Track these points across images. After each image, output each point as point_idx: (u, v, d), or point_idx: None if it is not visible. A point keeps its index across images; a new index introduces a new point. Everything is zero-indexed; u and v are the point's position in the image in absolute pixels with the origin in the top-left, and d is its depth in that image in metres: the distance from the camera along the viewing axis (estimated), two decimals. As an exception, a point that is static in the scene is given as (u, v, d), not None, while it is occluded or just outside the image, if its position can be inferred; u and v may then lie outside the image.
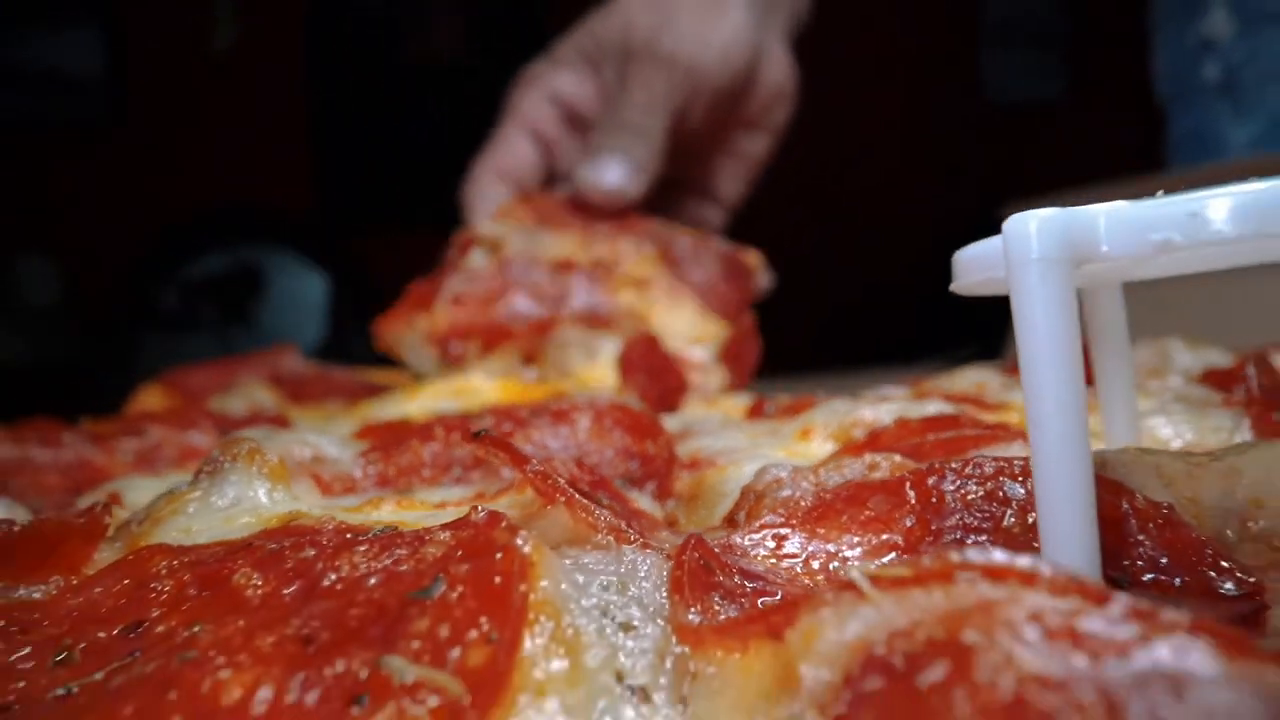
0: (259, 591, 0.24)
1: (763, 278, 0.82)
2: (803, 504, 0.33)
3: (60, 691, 0.22)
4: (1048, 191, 1.38)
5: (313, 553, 0.25)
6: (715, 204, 0.90)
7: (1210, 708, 0.13)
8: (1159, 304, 1.10)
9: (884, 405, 0.49)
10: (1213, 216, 0.24)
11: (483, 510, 0.26)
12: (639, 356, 0.65)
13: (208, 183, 3.05)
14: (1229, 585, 0.26)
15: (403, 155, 3.22)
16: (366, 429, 0.56)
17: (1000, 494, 0.30)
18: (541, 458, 0.34)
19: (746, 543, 0.30)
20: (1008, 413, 0.56)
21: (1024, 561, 0.18)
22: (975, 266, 0.29)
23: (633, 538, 0.27)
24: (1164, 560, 0.28)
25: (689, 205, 0.89)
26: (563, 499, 0.28)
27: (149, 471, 0.60)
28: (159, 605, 0.26)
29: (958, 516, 0.30)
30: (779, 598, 0.24)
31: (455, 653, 0.19)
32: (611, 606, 0.22)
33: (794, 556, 0.31)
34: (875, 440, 0.43)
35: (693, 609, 0.22)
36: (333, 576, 0.23)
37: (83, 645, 0.25)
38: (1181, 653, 0.15)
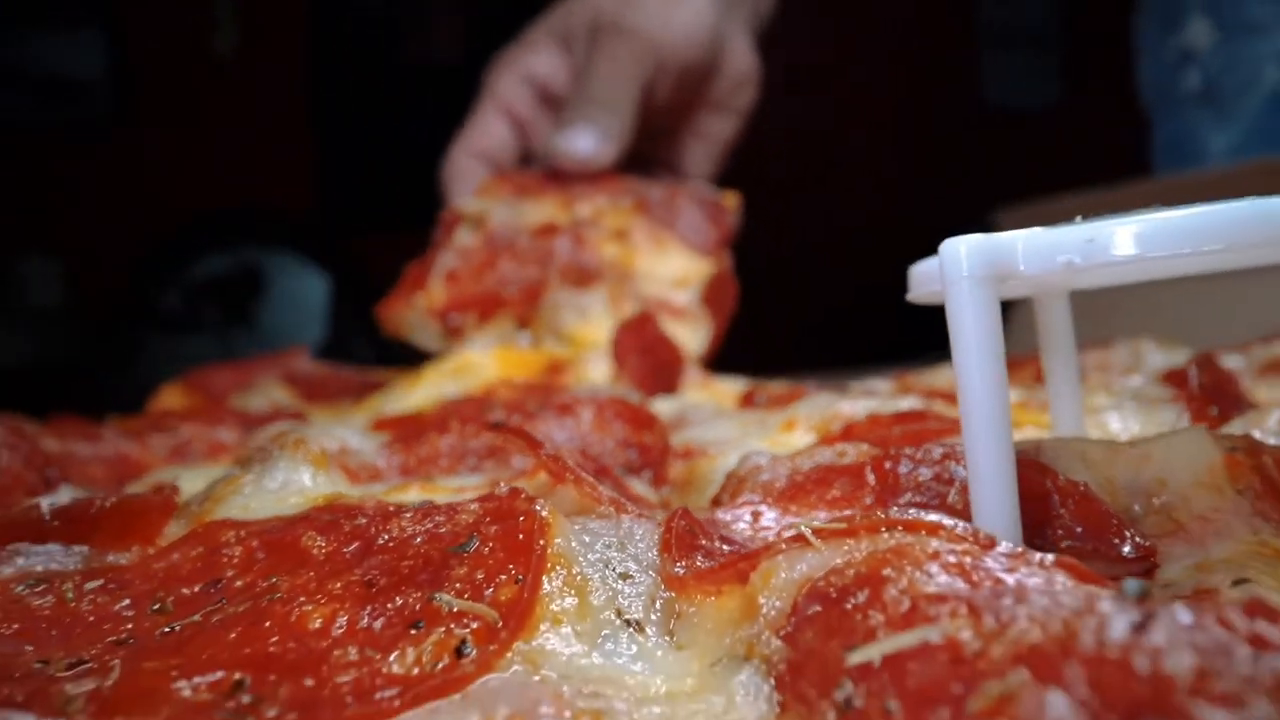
0: (323, 550, 0.29)
1: (739, 216, 0.87)
2: (777, 485, 0.38)
3: (165, 629, 0.28)
4: (1039, 195, 1.44)
5: (364, 520, 0.31)
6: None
7: (1042, 605, 0.19)
8: (1156, 306, 1.16)
9: (860, 401, 0.55)
10: (1106, 242, 0.30)
11: (505, 487, 0.32)
12: (631, 338, 0.70)
13: (209, 184, 3.11)
14: (1128, 549, 0.32)
15: (403, 156, 3.28)
16: (384, 422, 0.61)
17: (945, 475, 0.36)
18: (551, 444, 0.39)
19: (729, 517, 0.36)
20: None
21: (930, 518, 0.24)
22: (922, 281, 0.35)
23: (630, 509, 0.32)
24: (1079, 530, 0.33)
25: None
26: (571, 478, 0.33)
27: (182, 464, 0.66)
28: (232, 567, 0.32)
29: (909, 495, 0.36)
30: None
31: (490, 591, 0.25)
32: (612, 560, 0.28)
33: (768, 529, 0.36)
34: (849, 432, 0.49)
35: (679, 563, 0.28)
36: (385, 537, 0.29)
37: (172, 598, 0.31)
38: (1035, 577, 0.21)
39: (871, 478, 0.37)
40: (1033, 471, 0.34)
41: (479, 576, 0.25)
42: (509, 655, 0.23)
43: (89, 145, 3.04)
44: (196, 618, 0.28)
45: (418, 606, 0.24)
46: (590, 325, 0.76)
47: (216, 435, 0.72)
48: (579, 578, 0.26)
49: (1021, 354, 0.67)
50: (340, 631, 0.24)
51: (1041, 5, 3.45)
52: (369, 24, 3.24)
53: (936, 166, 3.39)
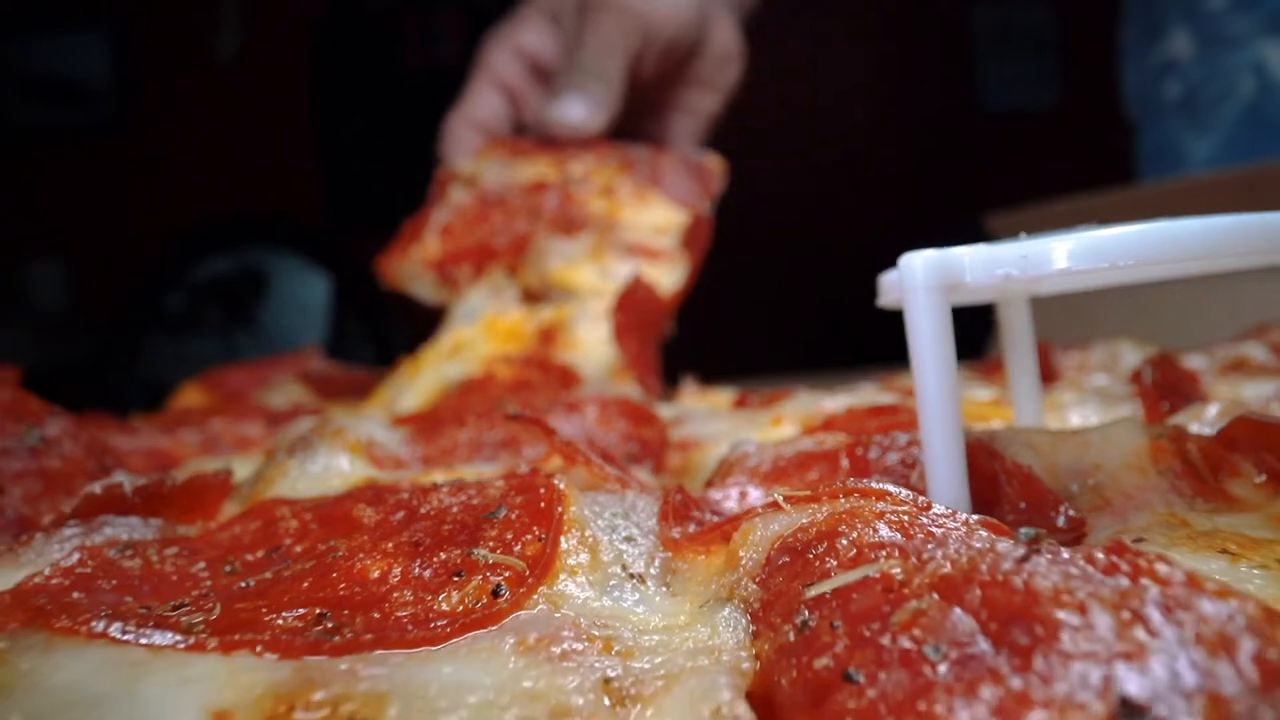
0: (373, 519, 0.35)
1: (723, 178, 0.93)
2: (763, 469, 0.44)
3: (241, 585, 0.33)
4: (1037, 197, 1.49)
5: (406, 494, 0.36)
6: None
7: (956, 548, 0.24)
8: (1151, 308, 1.22)
9: (841, 398, 0.60)
10: (1039, 258, 0.35)
11: (526, 466, 0.37)
12: (628, 317, 0.75)
13: (212, 187, 3.17)
14: (1061, 521, 0.37)
15: (404, 159, 3.34)
16: (402, 419, 0.67)
17: (909, 459, 0.42)
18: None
19: (719, 495, 0.42)
20: (965, 407, 0.67)
21: (878, 485, 0.29)
22: (887, 289, 0.40)
23: (634, 486, 0.38)
24: (1023, 505, 0.39)
25: None
26: (582, 460, 0.39)
27: (212, 456, 0.71)
28: (289, 535, 0.38)
29: (878, 477, 0.42)
30: (735, 524, 0.35)
31: (518, 547, 0.30)
32: (618, 526, 0.33)
33: (754, 505, 0.42)
34: (829, 424, 0.54)
35: (675, 529, 0.33)
36: (426, 507, 0.34)
37: (239, 562, 0.37)
38: (958, 530, 0.26)
39: (845, 462, 0.43)
40: (984, 456, 0.40)
41: (508, 536, 0.31)
42: (535, 597, 0.28)
43: (94, 149, 3.09)
44: (268, 575, 0.33)
45: (459, 560, 0.30)
46: (574, 269, 0.81)
47: (243, 430, 0.78)
48: (590, 539, 0.32)
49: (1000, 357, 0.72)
50: (396, 579, 0.29)
51: (1040, 8, 3.51)
52: (371, 29, 3.30)
53: (935, 169, 3.44)
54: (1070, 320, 1.20)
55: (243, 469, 0.52)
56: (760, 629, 0.27)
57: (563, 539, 0.31)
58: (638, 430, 0.60)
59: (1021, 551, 0.23)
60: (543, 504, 0.32)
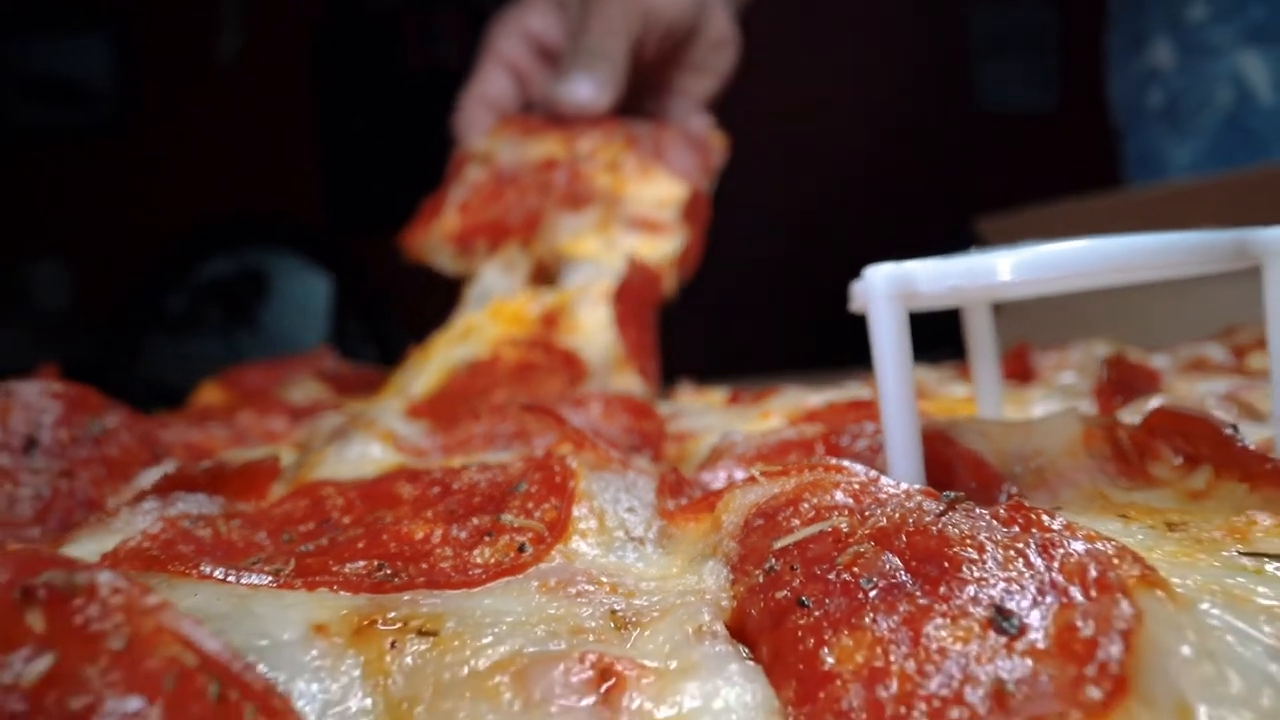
0: (412, 494, 0.41)
1: (723, 153, 1.01)
2: (748, 455, 0.51)
3: (301, 549, 0.40)
4: (1034, 200, 1.55)
5: (439, 474, 0.43)
6: None
7: (892, 506, 0.31)
8: (1137, 311, 1.29)
9: (825, 393, 0.67)
10: (981, 270, 0.42)
11: (541, 451, 0.44)
12: (627, 306, 0.82)
13: (214, 188, 3.24)
14: (1003, 497, 0.44)
15: (405, 160, 3.40)
16: (418, 407, 0.74)
17: (876, 445, 0.48)
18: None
19: (709, 477, 0.48)
20: (935, 401, 0.74)
21: (833, 461, 0.36)
22: (855, 297, 0.47)
23: (635, 468, 0.45)
24: (973, 485, 0.45)
25: None
26: (589, 444, 0.45)
27: (243, 447, 0.78)
28: (337, 510, 0.44)
29: (847, 460, 0.48)
30: (721, 498, 0.42)
31: (538, 514, 0.37)
32: (621, 499, 0.40)
33: (739, 486, 0.48)
34: (811, 417, 0.61)
35: (670, 501, 0.40)
36: (458, 484, 0.41)
37: (295, 533, 0.43)
38: (898, 496, 0.33)
39: (820, 448, 0.49)
40: (940, 443, 0.47)
41: (529, 505, 0.37)
42: (553, 553, 0.35)
43: (95, 149, 3.16)
44: (324, 541, 0.40)
45: (489, 524, 0.37)
46: (581, 242, 0.89)
47: (269, 424, 0.84)
48: (598, 509, 0.38)
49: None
50: (438, 539, 0.36)
51: (1039, 10, 3.57)
52: (371, 30, 3.37)
53: (931, 171, 3.51)
54: (1063, 323, 1.26)
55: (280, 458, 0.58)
56: (737, 576, 0.33)
57: (575, 508, 0.37)
58: (638, 424, 0.67)
59: (941, 508, 0.30)
60: (558, 479, 0.39)
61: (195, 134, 3.25)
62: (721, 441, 0.54)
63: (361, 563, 0.35)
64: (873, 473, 0.36)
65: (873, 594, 0.27)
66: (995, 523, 0.29)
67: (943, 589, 0.26)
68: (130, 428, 0.59)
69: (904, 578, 0.28)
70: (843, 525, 0.31)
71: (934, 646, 0.24)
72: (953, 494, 0.31)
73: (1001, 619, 0.25)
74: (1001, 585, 0.26)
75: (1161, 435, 0.45)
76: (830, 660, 0.25)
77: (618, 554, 0.37)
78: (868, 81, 3.51)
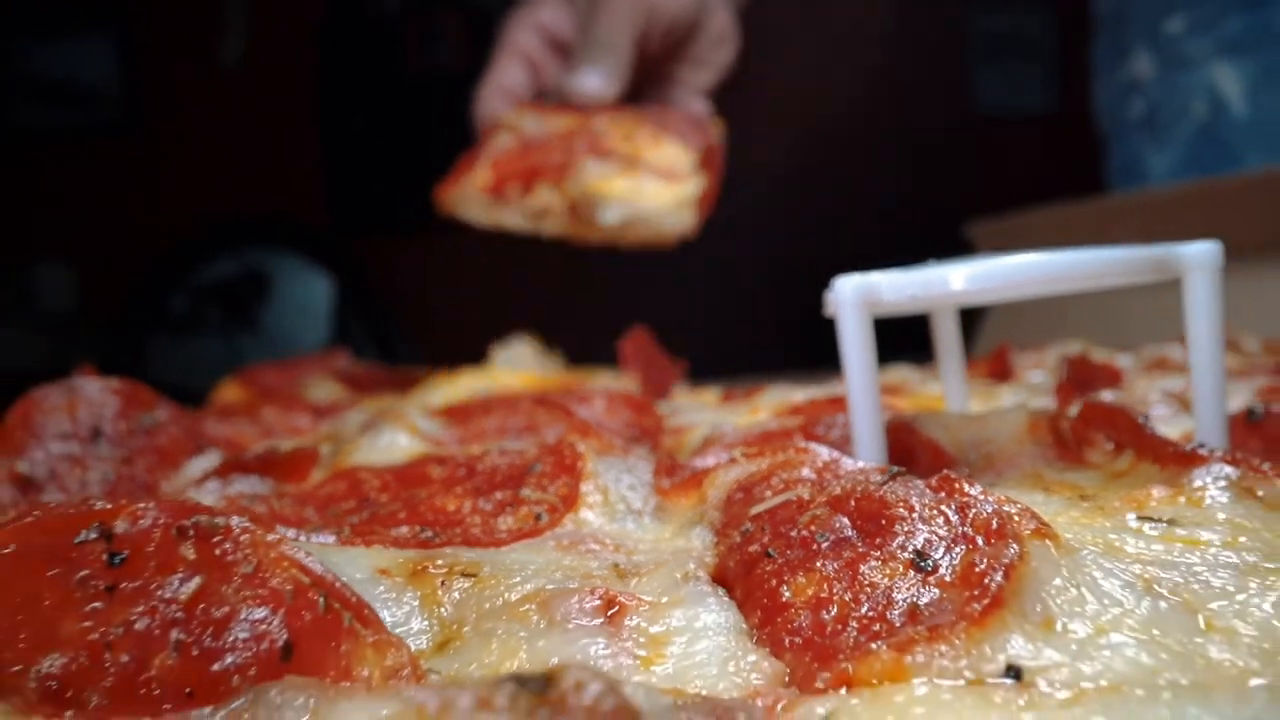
0: (441, 475, 0.49)
1: (722, 136, 1.11)
2: (733, 443, 0.58)
3: (353, 520, 0.47)
4: (1022, 206, 1.62)
5: (463, 458, 0.50)
6: None
7: (846, 478, 0.38)
8: (1123, 314, 1.37)
9: (809, 389, 0.74)
10: (936, 282, 0.49)
11: (552, 439, 0.51)
12: (635, 353, 0.90)
13: (216, 189, 3.31)
14: (956, 478, 0.51)
15: (406, 162, 3.48)
16: (436, 411, 0.81)
17: (846, 434, 0.55)
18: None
19: (699, 461, 0.56)
20: (915, 397, 0.82)
21: (801, 444, 0.43)
22: (828, 304, 0.54)
23: (633, 454, 0.52)
24: (932, 468, 0.53)
25: None
26: (594, 433, 0.53)
27: (270, 440, 0.85)
28: (373, 490, 0.52)
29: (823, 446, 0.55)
30: (708, 478, 0.49)
31: (551, 489, 0.44)
32: (623, 479, 0.47)
33: (727, 471, 0.56)
34: (795, 411, 0.68)
35: (665, 480, 0.47)
36: (482, 466, 0.48)
37: (339, 509, 0.51)
38: (855, 471, 0.40)
39: (799, 437, 0.57)
40: (903, 432, 0.54)
41: (544, 482, 0.45)
42: (565, 521, 0.42)
43: (99, 151, 3.23)
44: (366, 514, 0.48)
45: (510, 497, 0.44)
46: (609, 182, 0.99)
47: (293, 421, 0.92)
48: (603, 486, 0.46)
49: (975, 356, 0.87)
50: (467, 510, 0.43)
51: (1037, 15, 3.65)
52: (373, 33, 3.44)
53: (926, 174, 3.58)
54: (1053, 324, 1.34)
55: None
56: (720, 539, 0.41)
57: (582, 485, 0.45)
58: (638, 418, 0.74)
59: (884, 479, 0.37)
60: (568, 461, 0.46)
61: (198, 136, 3.33)
62: (712, 432, 0.62)
63: (405, 528, 0.42)
64: (835, 453, 0.44)
65: (825, 546, 0.35)
66: (926, 490, 0.36)
67: (878, 540, 0.34)
68: (177, 421, 0.66)
69: (850, 533, 0.35)
70: (805, 494, 0.38)
71: (867, 581, 0.32)
72: (895, 469, 0.38)
73: (920, 560, 0.32)
74: (924, 536, 0.33)
75: (1094, 425, 0.52)
76: (788, 594, 0.33)
77: (619, 523, 0.44)
78: (861, 82, 3.58)
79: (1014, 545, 0.31)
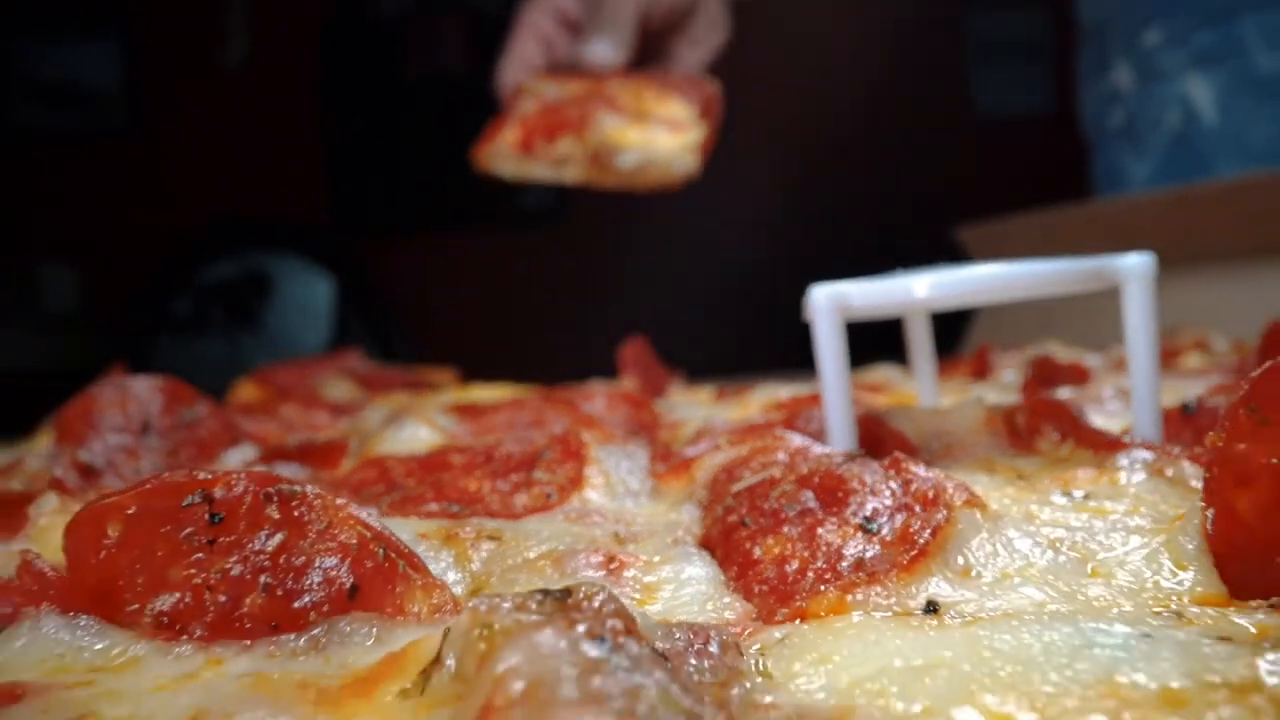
0: (461, 461, 0.56)
1: (720, 96, 1.25)
2: (724, 433, 0.65)
3: (387, 499, 0.54)
4: (1012, 209, 1.69)
5: (480, 447, 0.58)
6: None
7: (810, 459, 0.45)
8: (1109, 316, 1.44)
9: (795, 386, 0.81)
10: (901, 290, 0.56)
11: (559, 431, 0.59)
12: (633, 359, 0.97)
13: (219, 191, 3.39)
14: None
15: (407, 164, 3.56)
16: (449, 408, 0.88)
17: (824, 426, 0.63)
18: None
19: (690, 450, 0.63)
20: (894, 394, 0.89)
21: (778, 433, 0.51)
22: (806, 309, 0.62)
23: (631, 445, 0.59)
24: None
25: None
26: (596, 425, 0.60)
27: (293, 435, 0.92)
28: (399, 476, 0.59)
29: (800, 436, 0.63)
30: (698, 464, 0.57)
31: (560, 472, 0.52)
32: (622, 464, 0.55)
33: (715, 459, 0.63)
34: (781, 406, 0.76)
35: (659, 465, 0.55)
36: (498, 453, 0.56)
37: (369, 493, 0.58)
38: (820, 454, 0.48)
39: (779, 429, 0.64)
40: (873, 424, 0.61)
41: (553, 466, 0.52)
42: (571, 499, 0.50)
43: (103, 153, 3.31)
44: (397, 496, 0.55)
45: (524, 479, 0.51)
46: (623, 132, 1.14)
47: (312, 418, 0.99)
48: (604, 470, 0.53)
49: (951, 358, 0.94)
50: (487, 490, 0.51)
51: (1035, 17, 3.72)
52: (375, 37, 3.52)
53: (922, 177, 3.65)
54: (1043, 325, 1.41)
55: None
56: (705, 513, 0.48)
57: (586, 469, 0.52)
58: (637, 414, 0.82)
59: (843, 459, 0.44)
60: (573, 448, 0.54)
61: (200, 137, 3.40)
62: (704, 425, 0.69)
63: (434, 504, 0.49)
64: (807, 440, 0.51)
65: (791, 515, 0.42)
66: (879, 468, 0.43)
67: (835, 509, 0.41)
68: (214, 416, 0.74)
69: (813, 504, 0.42)
70: (777, 474, 0.46)
71: (823, 541, 0.39)
72: (855, 451, 0.46)
73: (868, 524, 0.39)
74: (872, 505, 0.40)
75: (1042, 418, 0.59)
76: (759, 552, 0.40)
77: (619, 501, 0.51)
78: (857, 83, 3.66)
79: (944, 511, 0.38)
